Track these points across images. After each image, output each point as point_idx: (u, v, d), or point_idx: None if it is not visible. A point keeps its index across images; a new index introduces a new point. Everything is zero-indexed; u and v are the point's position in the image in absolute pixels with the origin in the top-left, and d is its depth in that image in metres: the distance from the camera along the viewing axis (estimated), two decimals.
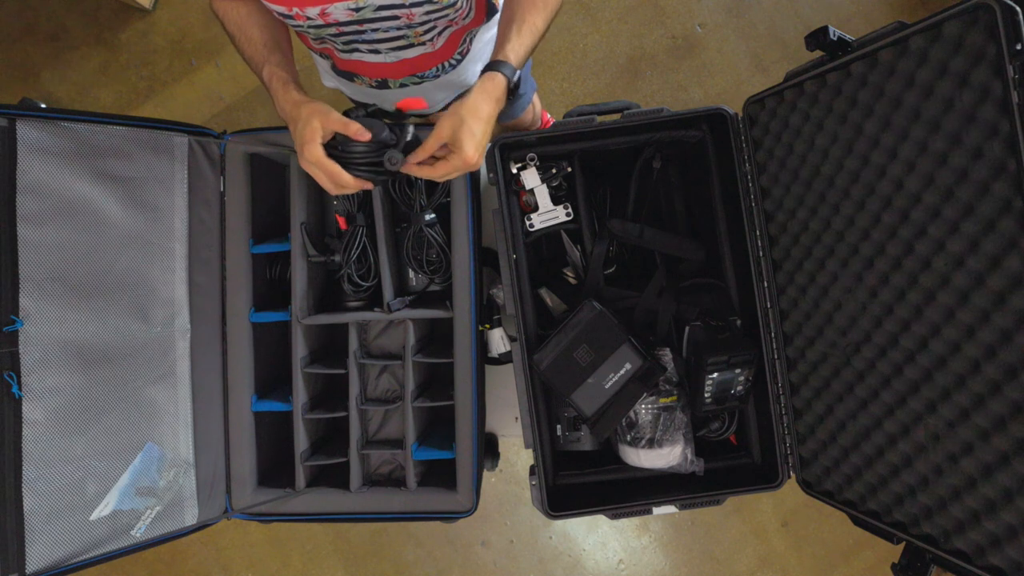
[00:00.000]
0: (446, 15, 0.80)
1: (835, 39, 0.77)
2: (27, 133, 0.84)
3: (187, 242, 1.02)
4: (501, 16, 0.83)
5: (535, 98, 1.46)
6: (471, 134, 0.72)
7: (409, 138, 0.77)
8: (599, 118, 0.95)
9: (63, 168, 0.87)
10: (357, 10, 0.74)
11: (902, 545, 0.80)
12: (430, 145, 0.74)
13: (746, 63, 1.95)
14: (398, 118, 0.80)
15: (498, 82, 0.75)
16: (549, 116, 1.83)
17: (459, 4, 0.79)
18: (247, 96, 1.99)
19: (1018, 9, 0.57)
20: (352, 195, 1.05)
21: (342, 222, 1.03)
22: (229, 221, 1.05)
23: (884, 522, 0.83)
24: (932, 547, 0.75)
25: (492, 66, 0.76)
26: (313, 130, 0.71)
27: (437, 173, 0.76)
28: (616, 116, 0.96)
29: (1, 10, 1.98)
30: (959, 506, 0.71)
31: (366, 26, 0.79)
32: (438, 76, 0.98)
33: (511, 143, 0.98)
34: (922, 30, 0.67)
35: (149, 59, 1.99)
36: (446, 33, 0.87)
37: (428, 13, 0.78)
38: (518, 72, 0.77)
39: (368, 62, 0.91)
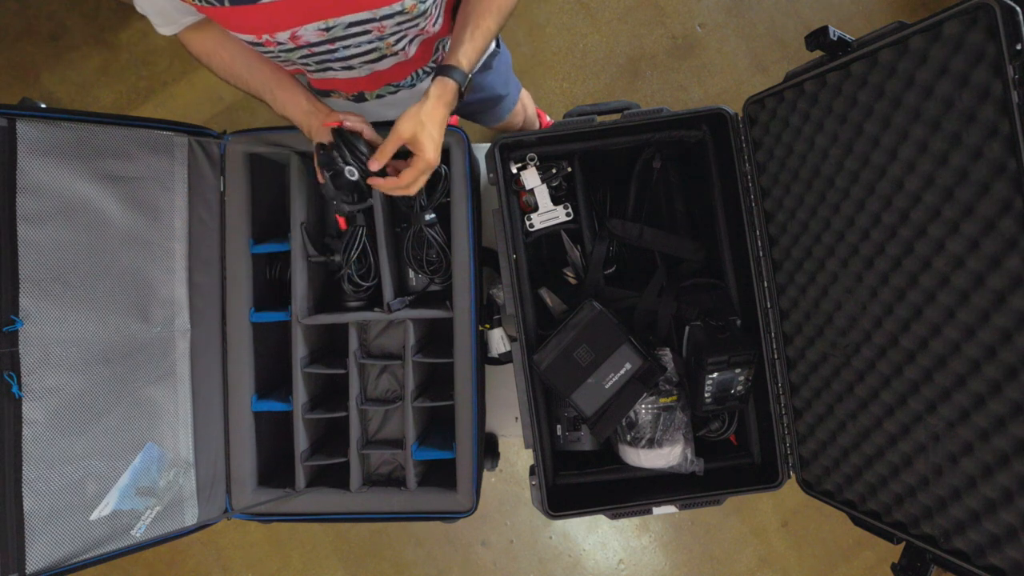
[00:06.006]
0: (416, 24, 0.80)
1: (835, 39, 0.77)
2: (27, 133, 0.84)
3: (187, 242, 1.02)
4: (456, 21, 0.85)
5: (527, 99, 1.45)
6: (430, 137, 0.78)
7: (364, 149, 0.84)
8: (599, 118, 0.95)
9: (63, 168, 0.87)
10: (328, 29, 0.74)
11: (902, 545, 0.80)
12: (390, 147, 0.79)
13: (746, 63, 1.95)
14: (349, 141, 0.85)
15: (449, 87, 0.80)
16: (548, 117, 1.83)
17: (428, 12, 0.79)
18: (247, 96, 1.98)
19: (1018, 9, 0.57)
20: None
21: (342, 222, 1.03)
22: (229, 221, 1.05)
23: (884, 522, 0.83)
24: (932, 547, 0.75)
25: (444, 71, 0.80)
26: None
27: (404, 181, 0.81)
28: (616, 116, 0.96)
29: (1, 10, 1.98)
30: (959, 506, 0.71)
31: (338, 44, 0.79)
32: (414, 85, 0.98)
33: (511, 143, 0.98)
34: (922, 30, 0.67)
35: (149, 59, 1.99)
36: (417, 41, 0.87)
37: (399, 24, 0.78)
38: (469, 76, 0.82)
39: (342, 78, 0.91)
